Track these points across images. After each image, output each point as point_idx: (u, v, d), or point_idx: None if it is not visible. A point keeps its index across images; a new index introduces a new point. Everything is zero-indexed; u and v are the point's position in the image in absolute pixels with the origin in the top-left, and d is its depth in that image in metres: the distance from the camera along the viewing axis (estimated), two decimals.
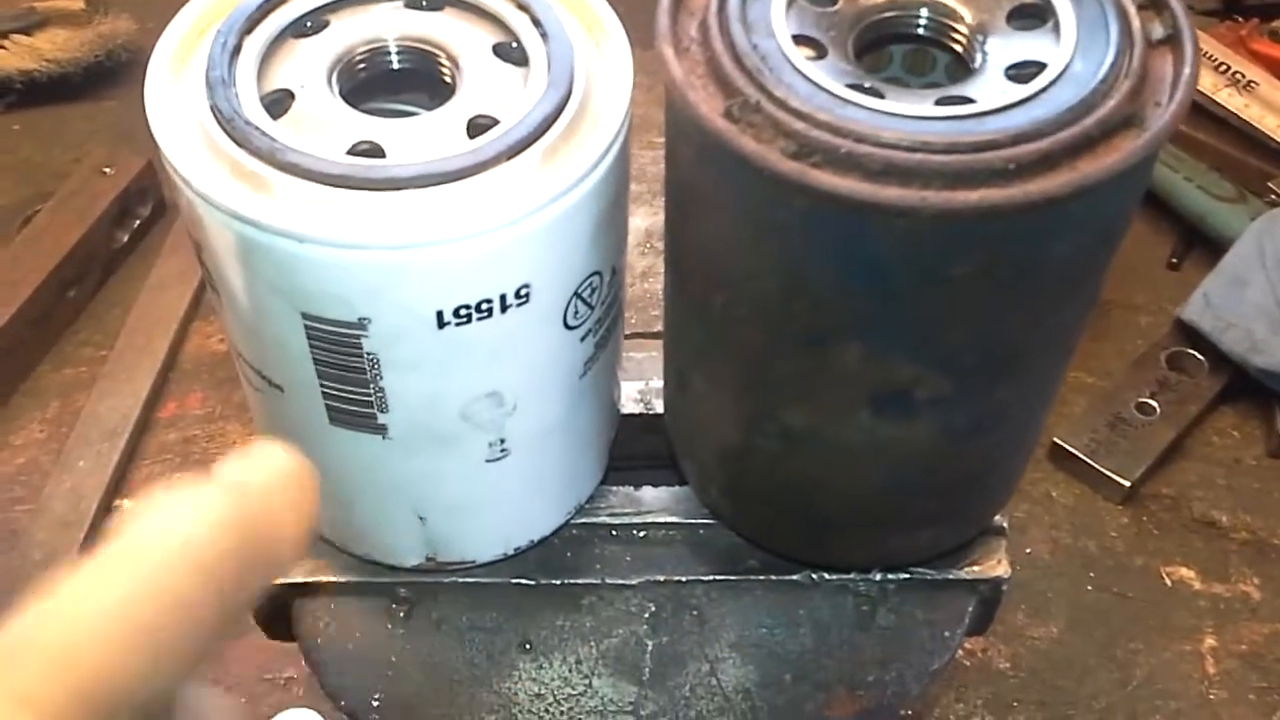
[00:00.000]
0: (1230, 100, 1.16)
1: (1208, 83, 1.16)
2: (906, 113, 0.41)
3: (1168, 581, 0.95)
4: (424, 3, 0.48)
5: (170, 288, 1.10)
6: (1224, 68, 1.18)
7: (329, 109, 0.45)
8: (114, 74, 1.24)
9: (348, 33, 0.47)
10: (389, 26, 0.47)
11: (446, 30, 0.47)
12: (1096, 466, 0.98)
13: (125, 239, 1.13)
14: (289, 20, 0.47)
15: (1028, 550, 0.97)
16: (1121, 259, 1.19)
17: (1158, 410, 1.01)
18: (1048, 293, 0.43)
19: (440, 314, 0.43)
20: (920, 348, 0.44)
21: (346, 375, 0.46)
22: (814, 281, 0.43)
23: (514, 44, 0.47)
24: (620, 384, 0.61)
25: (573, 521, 0.60)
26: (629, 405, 0.63)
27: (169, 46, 0.46)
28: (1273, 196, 1.10)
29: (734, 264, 0.45)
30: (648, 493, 0.62)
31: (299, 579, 0.60)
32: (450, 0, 0.48)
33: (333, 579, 0.60)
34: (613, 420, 0.59)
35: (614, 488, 0.62)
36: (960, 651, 0.93)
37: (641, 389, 0.64)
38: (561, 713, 0.58)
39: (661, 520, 0.62)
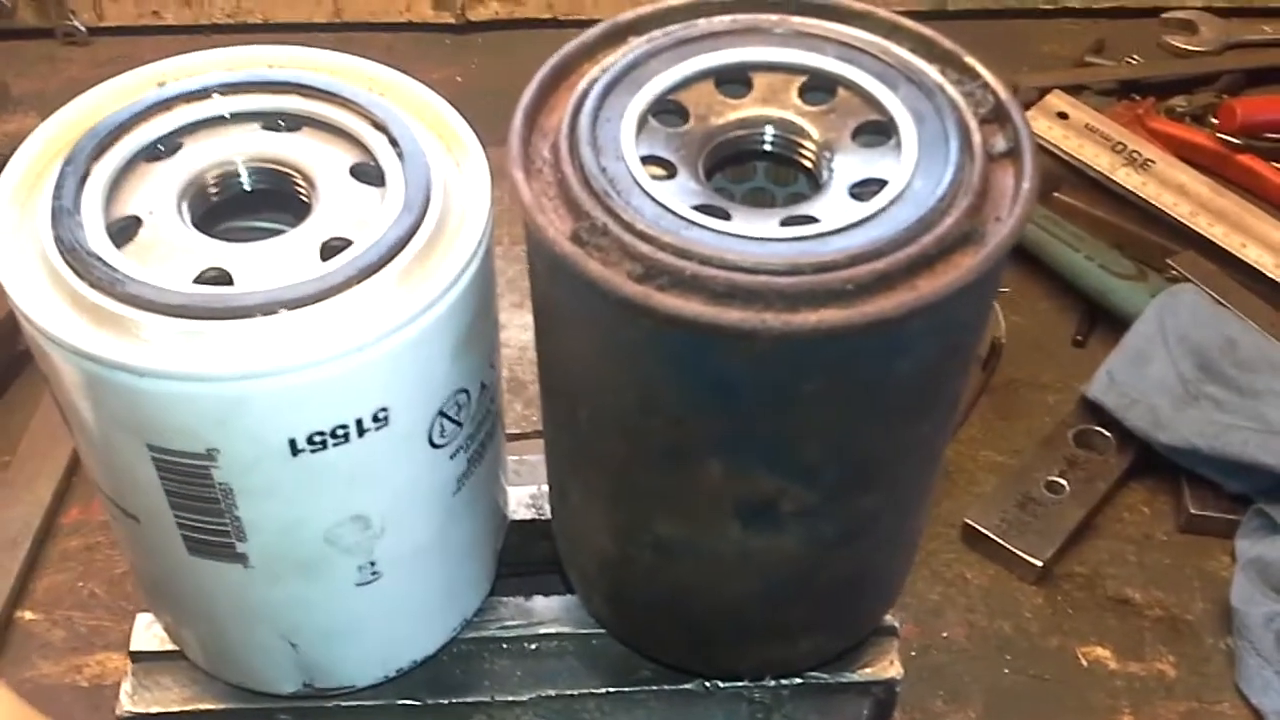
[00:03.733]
0: (1128, 179, 1.19)
1: (1105, 162, 1.19)
2: (751, 234, 0.41)
3: (1084, 661, 0.95)
4: (281, 124, 0.48)
5: None
6: (1120, 147, 1.21)
7: (177, 235, 0.44)
8: None
9: (200, 156, 0.47)
10: (243, 148, 0.47)
11: (303, 151, 0.47)
12: (1008, 547, 0.99)
13: (26, 345, 1.11)
14: (141, 144, 0.46)
15: (944, 634, 0.97)
16: (1027, 338, 1.20)
17: (1067, 488, 1.02)
18: (900, 406, 0.43)
19: (293, 442, 0.43)
20: (779, 462, 0.44)
21: (199, 505, 0.45)
22: (668, 399, 0.43)
23: (371, 163, 0.47)
24: (506, 490, 0.60)
25: (461, 636, 0.59)
26: (520, 511, 0.63)
27: (15, 174, 0.45)
28: (1173, 272, 1.12)
29: (593, 380, 0.45)
30: (539, 602, 0.61)
31: (175, 708, 0.58)
32: (308, 121, 0.48)
33: (211, 706, 0.58)
34: (498, 529, 0.58)
35: (504, 599, 0.61)
36: None
37: (534, 494, 0.64)
38: None
39: (553, 631, 0.60)
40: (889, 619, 0.60)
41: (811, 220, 0.42)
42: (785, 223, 0.42)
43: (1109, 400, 1.04)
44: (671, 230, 0.41)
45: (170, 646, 0.58)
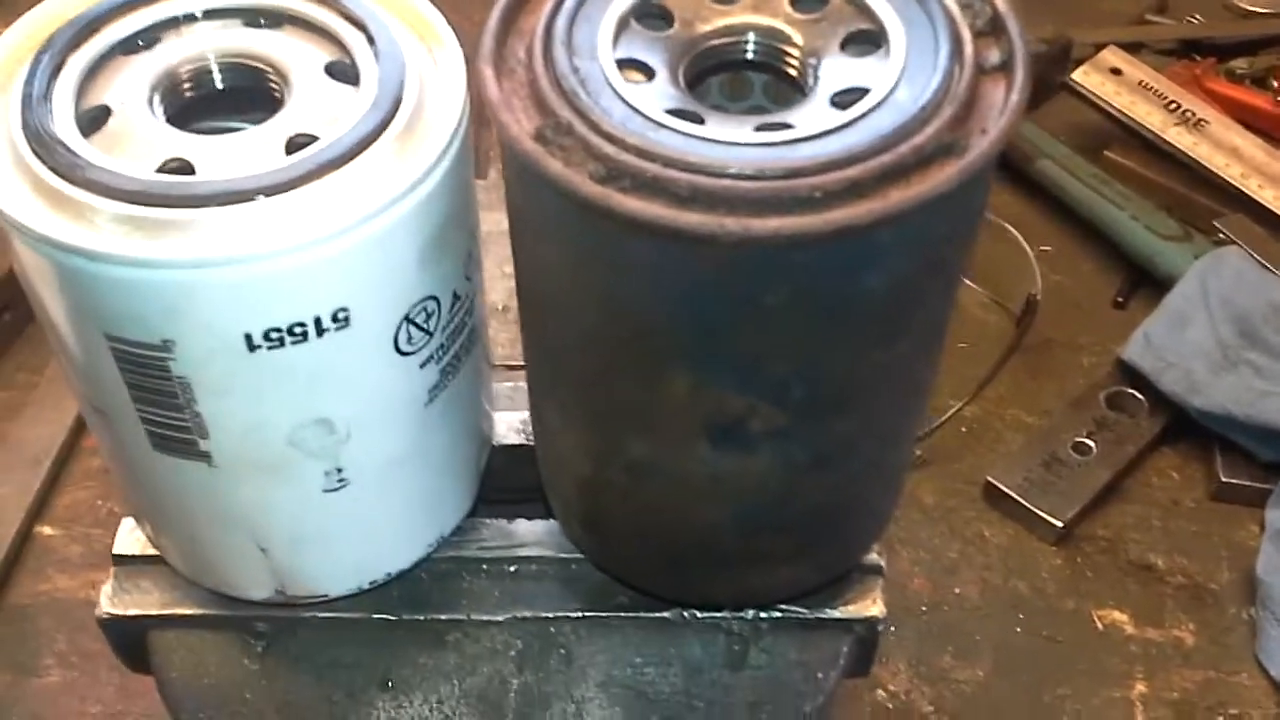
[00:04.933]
0: (1180, 138, 1.15)
1: (1157, 120, 1.15)
2: (720, 138, 0.39)
3: (1099, 625, 0.93)
4: (261, 21, 0.47)
5: None
6: (1174, 106, 1.17)
7: (144, 127, 0.44)
8: None
9: (176, 50, 0.46)
10: (219, 43, 0.46)
11: (279, 48, 0.46)
12: (1029, 506, 0.97)
13: None
14: (119, 37, 0.46)
15: (957, 590, 0.95)
16: (1067, 297, 1.18)
17: (1095, 450, 0.99)
18: (871, 325, 0.42)
19: (249, 337, 0.42)
20: (746, 378, 0.43)
21: (160, 400, 0.44)
22: (631, 308, 0.42)
23: (347, 61, 0.46)
24: (491, 413, 0.59)
25: (440, 555, 0.58)
26: (510, 436, 0.62)
27: None
28: (1219, 235, 1.09)
29: (560, 291, 0.44)
30: (521, 526, 0.61)
31: (153, 611, 0.58)
32: (288, 18, 0.47)
33: (188, 611, 0.58)
34: (478, 450, 0.57)
35: (487, 520, 0.61)
36: (883, 693, 0.91)
37: (524, 419, 0.63)
38: None
39: (533, 554, 0.60)
40: (874, 557, 0.58)
41: (786, 127, 0.40)
42: (760, 129, 0.40)
43: (1144, 362, 1.01)
44: (638, 132, 0.39)
45: (152, 551, 0.58)
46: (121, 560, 0.59)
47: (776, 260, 0.39)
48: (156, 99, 0.45)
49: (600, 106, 0.40)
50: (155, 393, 0.44)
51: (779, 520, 0.49)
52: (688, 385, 0.43)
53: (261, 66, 0.46)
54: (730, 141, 0.39)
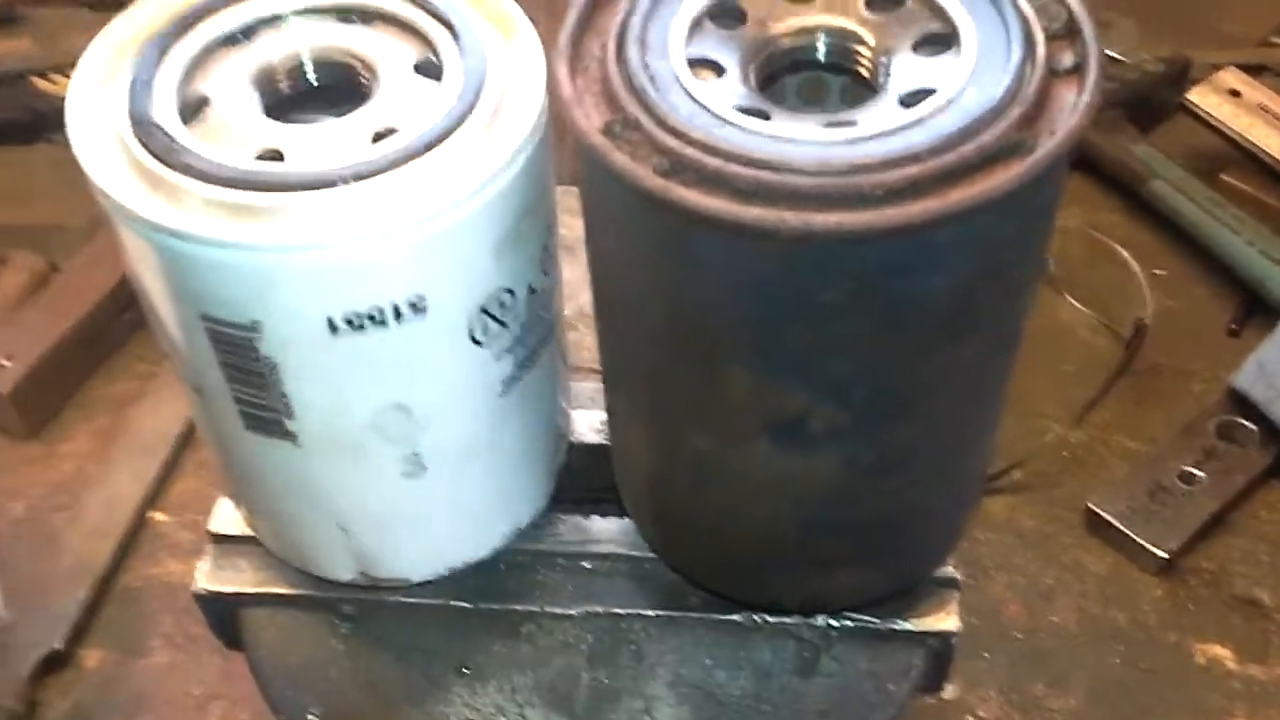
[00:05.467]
0: None
1: (1276, 144, 1.12)
2: (784, 135, 0.40)
3: (1200, 660, 0.90)
4: (354, 18, 0.49)
5: None
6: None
7: (241, 117, 0.46)
8: None
9: (273, 45, 0.48)
10: (314, 39, 0.48)
11: (371, 45, 0.48)
12: (1132, 536, 0.94)
13: None
14: (221, 31, 0.48)
15: (1053, 619, 0.93)
16: (1179, 323, 1.15)
17: (1202, 480, 0.96)
18: (932, 327, 0.42)
19: (330, 321, 0.44)
20: (806, 377, 0.43)
21: (250, 379, 0.47)
22: (693, 303, 0.42)
23: (434, 59, 0.47)
24: (568, 409, 0.60)
25: (517, 547, 0.60)
26: (590, 435, 0.63)
27: (103, 52, 0.47)
28: None
29: (626, 286, 0.45)
30: (596, 523, 0.62)
31: (248, 589, 0.61)
32: (378, 16, 0.49)
33: (280, 590, 0.60)
34: (555, 445, 0.58)
35: (563, 515, 0.62)
36: (970, 719, 0.90)
37: (604, 419, 0.64)
38: None
39: (607, 551, 0.61)
40: (950, 571, 0.58)
41: (853, 125, 0.41)
42: (827, 126, 0.41)
43: (1257, 391, 0.98)
44: (702, 127, 0.40)
45: (247, 531, 0.61)
46: (219, 539, 0.62)
47: (836, 257, 0.39)
48: (254, 91, 0.47)
49: (668, 102, 0.41)
50: (246, 372, 0.46)
51: (840, 523, 0.49)
52: (748, 382, 0.44)
53: (352, 62, 0.48)
54: (794, 139, 0.40)
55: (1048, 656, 0.92)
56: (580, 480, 0.62)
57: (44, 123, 1.25)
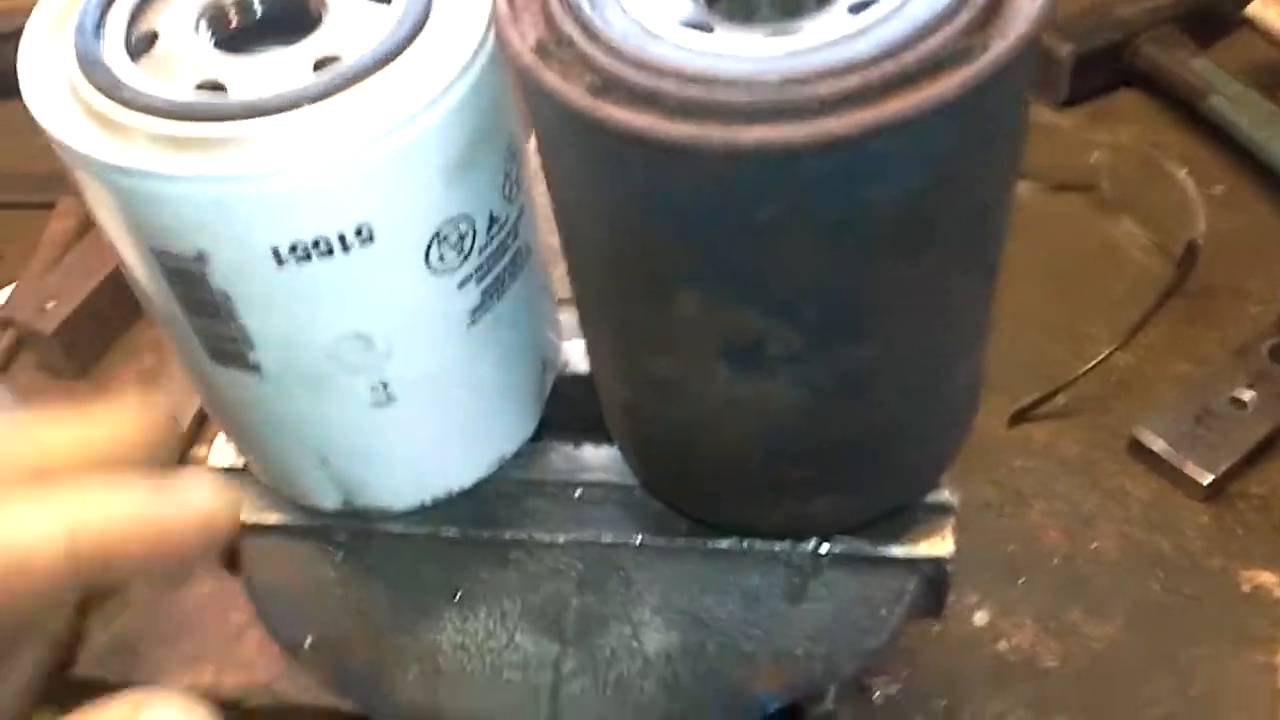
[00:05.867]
0: None
1: None
2: (722, 51, 0.38)
3: (1246, 587, 0.87)
4: None
5: None
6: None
7: (186, 51, 0.46)
8: None
9: None
10: None
11: None
12: (1175, 460, 0.91)
13: None
14: None
15: (1094, 545, 0.91)
16: (1236, 242, 1.11)
17: (1252, 404, 0.93)
18: (879, 243, 0.40)
19: (276, 250, 0.44)
20: (755, 298, 0.42)
21: (206, 310, 0.47)
22: (634, 226, 0.41)
23: None
24: (557, 341, 0.60)
25: (506, 476, 0.60)
26: (581, 365, 0.62)
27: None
28: None
29: (571, 206, 0.44)
30: (587, 451, 0.61)
31: (249, 519, 0.62)
32: None
33: (273, 520, 0.61)
34: (538, 375, 0.58)
35: (555, 444, 0.61)
36: (1005, 645, 0.88)
37: None
38: (485, 665, 0.58)
39: (597, 479, 0.60)
40: (946, 496, 0.57)
41: (797, 34, 0.39)
42: (769, 37, 0.39)
43: None
44: (635, 43, 0.39)
45: (242, 462, 0.62)
46: (217, 471, 0.63)
47: (771, 174, 0.38)
48: (203, 25, 0.47)
49: (602, 18, 0.40)
50: (202, 304, 0.46)
51: (805, 448, 0.48)
52: (697, 305, 0.43)
53: None
54: (732, 54, 0.38)
55: (1086, 583, 0.90)
56: (572, 410, 0.62)
57: None
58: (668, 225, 0.41)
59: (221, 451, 0.63)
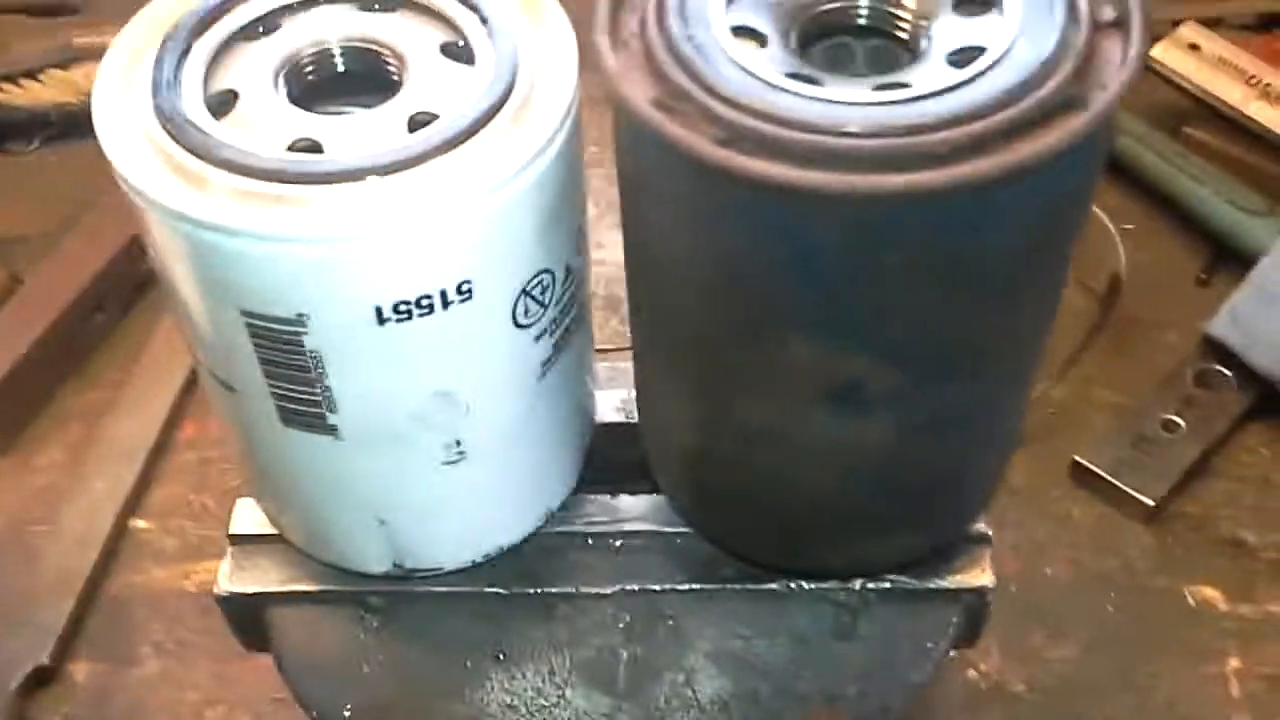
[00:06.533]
0: (1261, 112, 1.13)
1: (1237, 95, 1.14)
2: (839, 99, 0.40)
3: (1191, 602, 0.92)
4: (376, 5, 0.48)
5: None
6: (1255, 80, 1.15)
7: (271, 109, 0.45)
8: None
9: (296, 35, 0.47)
10: (338, 28, 0.48)
11: (395, 31, 0.48)
12: (1119, 485, 0.96)
13: (147, 272, 1.14)
14: (241, 24, 0.47)
15: (1047, 570, 0.95)
16: (1149, 275, 1.17)
17: (1184, 428, 0.98)
18: (991, 284, 0.42)
19: (379, 310, 0.43)
20: (866, 340, 0.43)
21: (292, 374, 0.46)
22: (750, 272, 0.42)
23: (461, 43, 0.47)
24: (594, 390, 0.60)
25: (547, 530, 0.60)
26: (609, 414, 0.63)
27: (122, 52, 0.46)
28: None
29: (675, 256, 0.45)
30: (625, 501, 0.62)
31: (272, 588, 0.60)
32: (402, 2, 0.48)
33: (305, 588, 0.60)
34: (584, 426, 0.58)
35: (590, 495, 0.61)
36: (974, 673, 0.91)
37: (624, 398, 0.64)
38: None
39: (638, 528, 0.61)
40: (981, 527, 0.59)
41: (904, 86, 0.41)
42: (878, 89, 0.41)
43: (1232, 338, 1.00)
44: (756, 95, 0.40)
45: (268, 530, 0.60)
46: (238, 540, 0.61)
47: (900, 219, 0.39)
48: (280, 82, 0.46)
49: (717, 72, 0.41)
50: (287, 367, 0.45)
51: (894, 488, 0.49)
52: (806, 349, 0.44)
53: (379, 49, 0.47)
54: (849, 101, 0.40)
55: (1044, 608, 0.93)
56: (603, 459, 0.62)
57: None
58: (787, 272, 0.42)
59: (243, 520, 0.61)
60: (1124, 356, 1.06)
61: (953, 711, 0.88)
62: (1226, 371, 1.00)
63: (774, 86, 0.40)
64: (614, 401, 0.63)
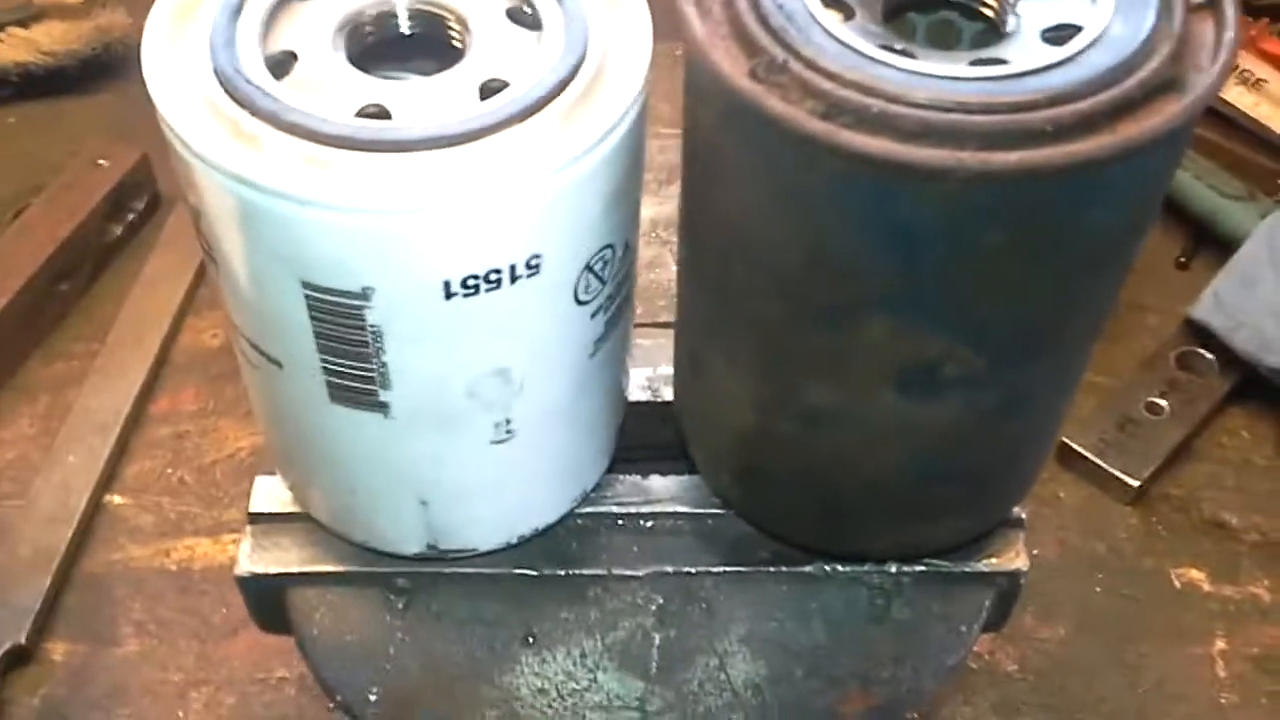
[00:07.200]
0: (1240, 99, 1.15)
1: None
2: (940, 73, 0.39)
3: (1177, 584, 0.93)
4: None
5: (164, 282, 1.08)
6: (1235, 67, 1.17)
7: (334, 71, 0.43)
8: (110, 67, 1.22)
9: None
10: None
11: None
12: (1105, 466, 0.97)
13: (119, 232, 1.11)
14: None
15: (1035, 551, 0.95)
16: None
17: (1167, 410, 0.99)
18: (1081, 265, 0.42)
19: (448, 284, 0.42)
20: (950, 321, 0.42)
21: (348, 349, 0.44)
22: (839, 250, 0.41)
23: (527, 8, 0.45)
24: (629, 370, 0.59)
25: (578, 510, 0.58)
26: (636, 393, 0.61)
27: (166, 9, 0.44)
28: None
29: (755, 233, 0.44)
30: (656, 482, 0.60)
31: (294, 568, 0.58)
32: None
33: (329, 568, 0.58)
34: (620, 406, 0.57)
35: (621, 476, 0.60)
36: None
37: (650, 376, 0.62)
38: (565, 708, 0.56)
39: (670, 510, 0.60)
40: (1015, 510, 0.58)
41: (1002, 62, 0.40)
42: (974, 64, 0.40)
43: (1215, 321, 1.01)
44: (856, 67, 0.39)
45: (290, 509, 0.58)
46: (258, 519, 0.59)
47: (1001, 197, 0.38)
48: (340, 43, 0.44)
49: (813, 43, 0.40)
50: (344, 342, 0.44)
51: (955, 471, 0.49)
52: (885, 329, 0.43)
53: (442, 12, 0.45)
54: (950, 76, 0.39)
55: (1034, 588, 0.93)
56: (629, 440, 0.61)
57: None
58: (877, 250, 0.41)
59: (263, 498, 0.59)
60: (1106, 338, 1.05)
61: (946, 692, 0.89)
62: (1209, 355, 1.02)
63: (873, 59, 0.39)
64: (640, 380, 0.62)
